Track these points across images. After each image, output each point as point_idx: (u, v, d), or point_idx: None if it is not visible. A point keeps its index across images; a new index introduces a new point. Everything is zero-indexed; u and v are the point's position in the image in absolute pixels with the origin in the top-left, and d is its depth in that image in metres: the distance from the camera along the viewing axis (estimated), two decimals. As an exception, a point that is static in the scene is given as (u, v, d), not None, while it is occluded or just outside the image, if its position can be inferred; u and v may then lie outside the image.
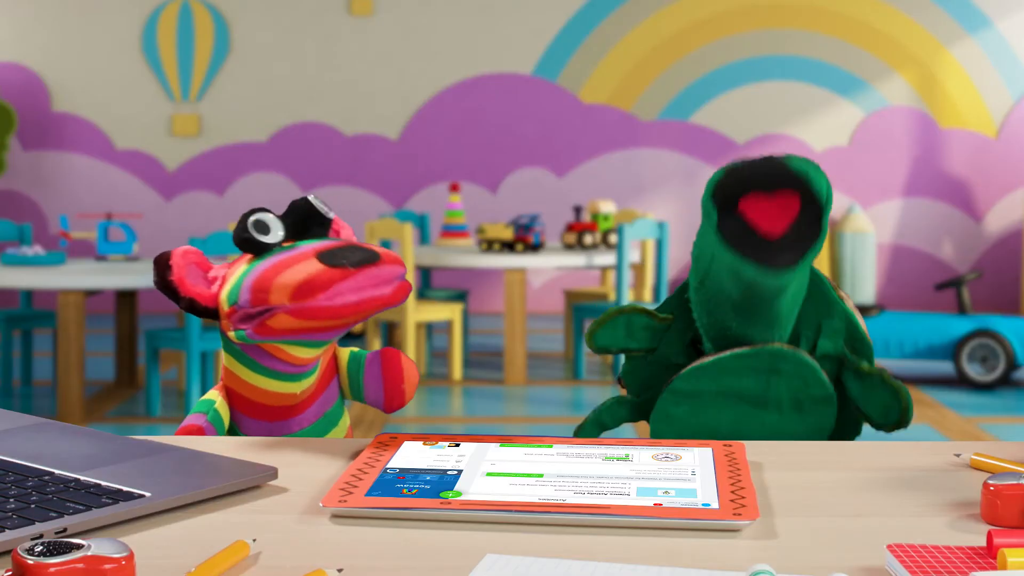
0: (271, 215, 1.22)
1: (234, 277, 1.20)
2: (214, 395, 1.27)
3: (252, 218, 1.20)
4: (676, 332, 1.40)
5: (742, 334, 1.32)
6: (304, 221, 1.23)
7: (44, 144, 9.16)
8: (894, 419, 1.31)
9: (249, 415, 1.26)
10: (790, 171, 1.25)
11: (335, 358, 1.31)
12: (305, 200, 1.23)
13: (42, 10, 9.09)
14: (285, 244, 1.22)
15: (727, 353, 1.32)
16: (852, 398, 1.35)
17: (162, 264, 1.20)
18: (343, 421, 1.32)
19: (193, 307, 1.21)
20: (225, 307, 1.20)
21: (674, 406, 1.35)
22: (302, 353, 1.22)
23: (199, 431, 1.23)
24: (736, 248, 1.28)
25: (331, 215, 1.24)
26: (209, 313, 1.21)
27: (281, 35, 9.13)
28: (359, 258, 1.16)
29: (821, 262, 8.82)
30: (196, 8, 9.11)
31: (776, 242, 1.27)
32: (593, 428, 1.43)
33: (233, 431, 1.28)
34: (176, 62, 9.13)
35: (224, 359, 1.26)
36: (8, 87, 9.09)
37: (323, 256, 1.16)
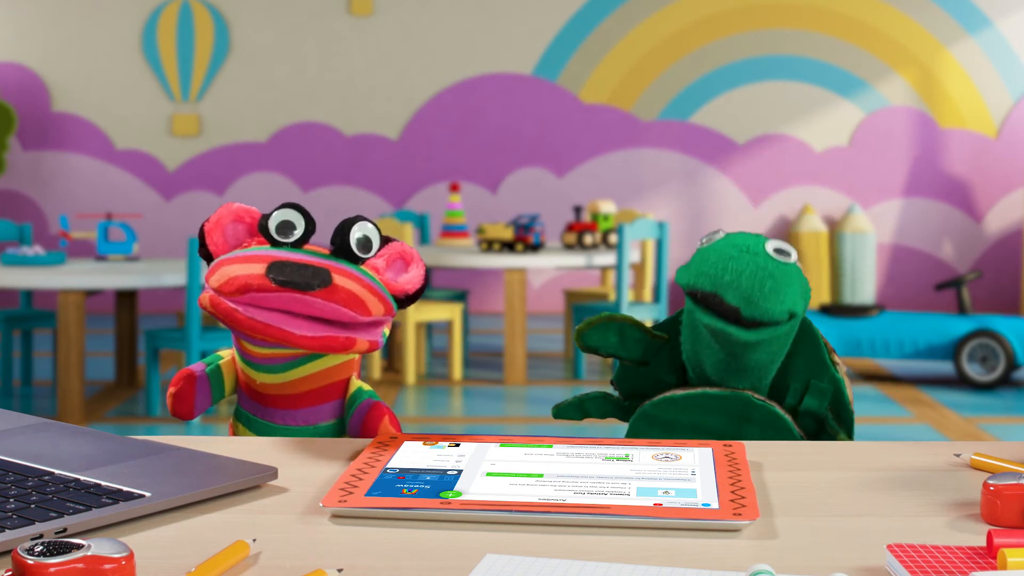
0: (297, 212, 1.21)
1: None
2: (225, 354, 1.27)
3: (276, 212, 1.20)
4: (669, 352, 1.41)
5: (715, 375, 1.34)
6: (343, 243, 1.20)
7: (44, 144, 9.16)
8: None
9: (240, 390, 1.27)
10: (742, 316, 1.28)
11: (347, 384, 1.28)
12: (345, 225, 1.20)
13: (42, 10, 9.08)
14: (291, 243, 1.20)
15: (699, 391, 1.34)
16: None
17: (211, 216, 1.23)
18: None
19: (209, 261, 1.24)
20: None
21: (648, 429, 1.36)
22: (251, 347, 1.20)
23: (189, 376, 1.23)
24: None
25: (369, 255, 1.20)
26: None
27: (281, 35, 9.12)
28: (293, 279, 1.13)
29: (821, 263, 8.82)
30: (196, 8, 9.11)
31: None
32: (574, 410, 1.44)
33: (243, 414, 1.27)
34: (176, 62, 9.13)
35: None
36: (8, 87, 9.09)
37: (272, 265, 1.14)
